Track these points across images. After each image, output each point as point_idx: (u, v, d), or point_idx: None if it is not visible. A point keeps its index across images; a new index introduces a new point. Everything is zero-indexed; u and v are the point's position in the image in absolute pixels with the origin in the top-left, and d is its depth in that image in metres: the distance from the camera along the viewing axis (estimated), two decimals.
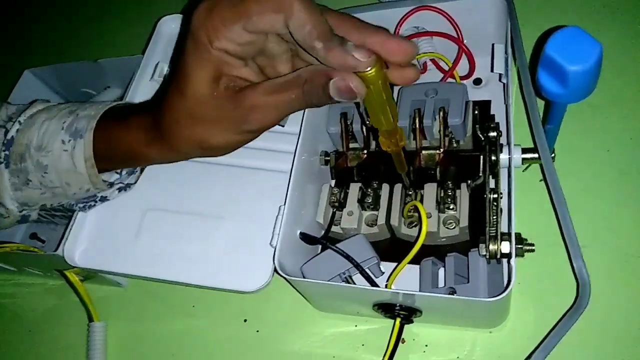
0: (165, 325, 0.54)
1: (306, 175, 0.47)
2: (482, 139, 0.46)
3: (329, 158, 0.51)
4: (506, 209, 0.41)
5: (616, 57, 0.53)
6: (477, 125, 0.48)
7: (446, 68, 0.55)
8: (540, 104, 0.44)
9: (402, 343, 0.46)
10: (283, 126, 0.50)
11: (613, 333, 0.43)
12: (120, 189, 0.50)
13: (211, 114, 0.38)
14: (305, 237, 0.46)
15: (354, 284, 0.45)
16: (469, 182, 0.46)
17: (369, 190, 0.49)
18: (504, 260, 0.40)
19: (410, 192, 0.48)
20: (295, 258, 0.45)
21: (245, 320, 0.52)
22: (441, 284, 0.45)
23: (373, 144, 0.50)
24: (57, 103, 0.49)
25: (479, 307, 0.39)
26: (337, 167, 0.51)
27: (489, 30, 0.52)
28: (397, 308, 0.42)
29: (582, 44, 0.33)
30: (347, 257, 0.43)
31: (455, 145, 0.48)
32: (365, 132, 0.50)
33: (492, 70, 0.49)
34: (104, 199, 0.50)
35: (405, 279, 0.45)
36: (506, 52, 0.48)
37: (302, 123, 0.47)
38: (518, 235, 0.41)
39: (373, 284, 0.44)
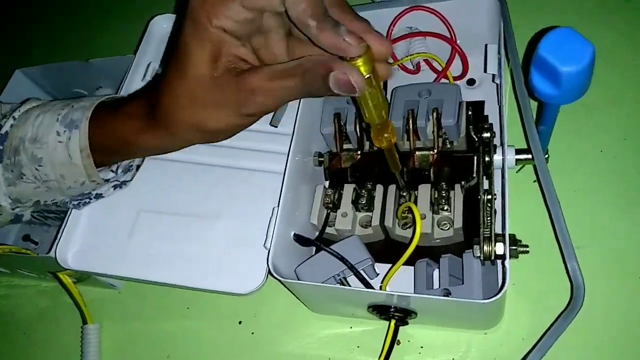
0: (159, 327, 0.54)
1: (300, 176, 0.47)
2: (476, 139, 0.46)
3: (322, 159, 0.51)
4: (500, 210, 0.42)
5: (609, 58, 0.53)
6: (470, 126, 0.48)
7: (439, 68, 0.55)
8: (534, 104, 0.44)
9: (398, 345, 0.46)
10: (276, 127, 0.50)
11: (608, 334, 0.43)
12: (115, 186, 0.50)
13: (211, 97, 0.38)
14: (299, 239, 0.46)
15: (349, 285, 0.44)
16: (463, 183, 0.46)
17: (363, 191, 0.49)
18: (498, 262, 0.40)
19: (404, 193, 0.48)
20: (289, 260, 0.44)
21: (240, 322, 0.52)
22: (436, 285, 0.45)
23: (367, 145, 0.50)
24: (51, 100, 0.49)
25: (474, 308, 0.39)
26: (330, 168, 0.51)
27: (482, 31, 0.52)
28: (392, 310, 0.42)
29: (575, 45, 0.33)
30: (342, 259, 0.43)
31: (449, 146, 0.48)
32: (359, 133, 0.50)
33: (485, 71, 0.49)
34: (99, 196, 0.49)
35: (399, 281, 0.45)
36: (499, 53, 0.48)
37: (295, 124, 0.47)
38: (512, 236, 0.41)
39: (368, 285, 0.44)
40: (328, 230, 0.48)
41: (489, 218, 0.41)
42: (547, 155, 0.45)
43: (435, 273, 0.46)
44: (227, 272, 0.46)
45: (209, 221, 0.49)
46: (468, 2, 0.51)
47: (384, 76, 0.37)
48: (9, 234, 0.64)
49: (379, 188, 0.49)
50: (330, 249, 0.44)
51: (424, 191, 0.47)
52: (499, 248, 0.39)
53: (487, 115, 0.51)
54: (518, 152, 0.45)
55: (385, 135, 0.39)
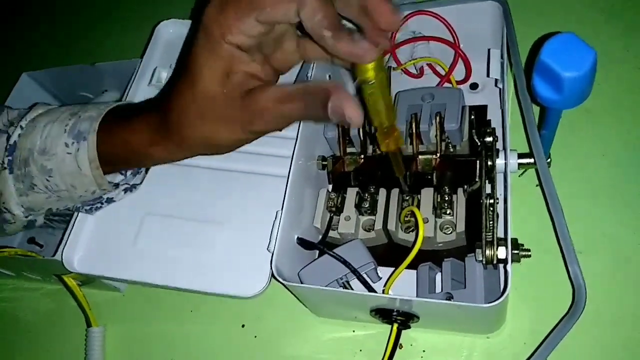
0: (163, 330, 0.54)
1: (303, 180, 0.47)
2: (479, 144, 0.46)
3: (326, 163, 0.51)
4: (502, 214, 0.42)
5: (611, 63, 0.53)
6: (473, 130, 0.48)
7: (443, 73, 0.55)
8: (536, 109, 0.44)
9: (400, 348, 0.46)
10: (280, 130, 0.50)
11: (609, 338, 0.43)
12: (126, 190, 0.50)
13: (221, 112, 0.38)
14: (303, 242, 0.46)
15: (352, 289, 0.45)
16: (466, 187, 0.46)
17: (366, 195, 0.49)
18: (501, 266, 0.40)
19: (407, 197, 0.48)
20: (292, 263, 0.45)
21: (243, 326, 0.52)
22: (438, 289, 0.45)
23: (370, 149, 0.51)
24: (58, 106, 0.49)
25: (476, 312, 0.39)
26: (334, 172, 0.51)
27: (485, 36, 0.53)
28: (395, 313, 0.42)
29: (577, 51, 0.33)
30: (345, 263, 0.43)
31: (451, 150, 0.49)
32: (362, 137, 0.50)
33: (488, 75, 0.49)
34: (110, 200, 0.50)
35: (402, 284, 0.45)
36: (502, 57, 0.48)
37: (299, 127, 0.47)
38: (514, 240, 0.41)
39: (370, 289, 0.44)
40: (331, 233, 0.49)
41: (491, 222, 0.41)
42: (549, 160, 0.45)
43: (438, 277, 0.46)
44: (230, 276, 0.46)
45: (212, 224, 0.49)
46: (471, 7, 0.52)
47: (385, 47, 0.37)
48: (14, 237, 0.64)
49: (382, 192, 0.49)
50: (334, 252, 0.44)
51: (427, 195, 0.47)
52: (501, 252, 0.39)
53: (490, 120, 0.51)
54: (520, 156, 0.45)
55: (392, 138, 0.40)
